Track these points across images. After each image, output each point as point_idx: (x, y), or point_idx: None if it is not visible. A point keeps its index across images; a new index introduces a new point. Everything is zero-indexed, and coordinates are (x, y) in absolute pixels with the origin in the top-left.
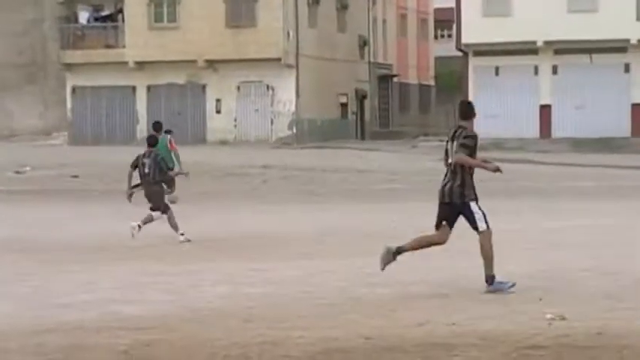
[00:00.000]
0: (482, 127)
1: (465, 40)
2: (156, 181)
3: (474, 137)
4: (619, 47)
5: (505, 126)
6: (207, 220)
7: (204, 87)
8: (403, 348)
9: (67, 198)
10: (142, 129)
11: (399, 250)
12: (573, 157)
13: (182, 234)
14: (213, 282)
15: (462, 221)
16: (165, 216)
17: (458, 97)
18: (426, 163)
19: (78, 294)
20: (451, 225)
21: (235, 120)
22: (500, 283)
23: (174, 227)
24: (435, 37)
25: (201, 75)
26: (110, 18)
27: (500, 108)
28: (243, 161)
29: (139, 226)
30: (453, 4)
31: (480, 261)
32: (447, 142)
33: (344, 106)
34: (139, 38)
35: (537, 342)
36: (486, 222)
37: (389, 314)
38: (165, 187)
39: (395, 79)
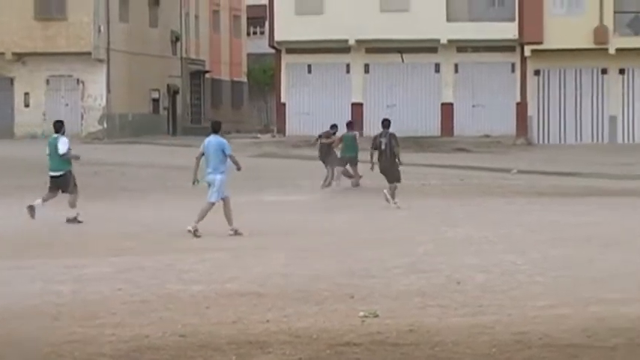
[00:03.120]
0: (294, 124)
1: (277, 37)
2: None
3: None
4: (430, 47)
5: (317, 124)
6: (16, 215)
7: (12, 80)
8: (217, 345)
9: None
10: None
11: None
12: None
13: None
14: (22, 279)
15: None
16: None
17: (270, 93)
18: (239, 159)
19: None
20: None
21: (44, 114)
22: None
23: None
24: (248, 34)
25: (9, 68)
26: None
27: (312, 106)
28: None
29: None
30: (265, 2)
31: (294, 260)
32: None
33: (156, 101)
34: None
35: (351, 339)
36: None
37: (203, 312)
38: None
39: (207, 75)
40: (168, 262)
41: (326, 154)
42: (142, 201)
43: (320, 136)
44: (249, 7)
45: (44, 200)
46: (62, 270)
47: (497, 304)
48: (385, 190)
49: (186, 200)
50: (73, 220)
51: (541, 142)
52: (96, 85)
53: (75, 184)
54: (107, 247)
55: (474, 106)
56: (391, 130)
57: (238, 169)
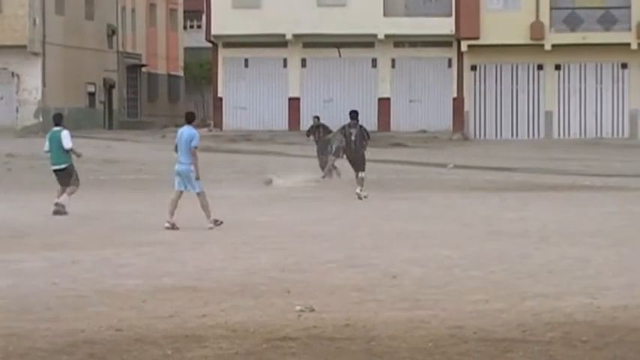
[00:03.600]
0: (231, 119)
1: (214, 31)
2: None
3: None
4: (367, 42)
5: (254, 118)
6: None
7: None
8: (153, 339)
9: None
10: None
11: None
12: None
13: None
14: None
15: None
16: None
17: (207, 88)
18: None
19: None
20: None
21: None
22: None
23: None
24: (185, 27)
25: None
26: None
27: (249, 100)
28: None
29: None
30: None
31: (231, 254)
32: None
33: (92, 95)
34: None
35: (287, 333)
36: None
37: (139, 305)
38: None
39: (144, 69)
40: (105, 257)
41: (325, 146)
42: (77, 195)
43: (309, 132)
44: (186, 0)
45: (69, 194)
46: None
47: (433, 298)
48: (357, 190)
49: (121, 194)
50: (61, 209)
51: (477, 137)
52: (31, 79)
53: (77, 178)
54: (42, 241)
55: (410, 101)
56: (329, 124)
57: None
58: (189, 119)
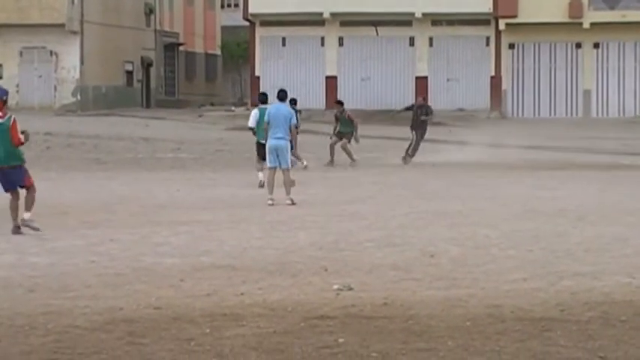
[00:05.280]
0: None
1: (251, 10)
2: None
3: None
4: (404, 21)
5: (292, 96)
6: None
7: None
8: (191, 318)
9: None
10: None
11: None
12: (360, 129)
13: None
14: None
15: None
16: None
17: (244, 66)
18: (211, 133)
19: None
20: None
21: (17, 86)
22: None
23: None
24: (222, 6)
25: None
26: None
27: (286, 79)
28: (25, 127)
29: None
30: None
31: (269, 232)
32: None
33: (129, 73)
34: None
35: (325, 312)
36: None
37: (177, 284)
38: None
39: (181, 48)
40: (143, 235)
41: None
42: (114, 173)
43: (409, 109)
44: None
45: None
46: (36, 242)
47: (471, 277)
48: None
49: (158, 173)
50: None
51: (515, 115)
52: (69, 57)
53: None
54: (80, 219)
55: (448, 79)
56: (366, 103)
57: None
58: (282, 97)
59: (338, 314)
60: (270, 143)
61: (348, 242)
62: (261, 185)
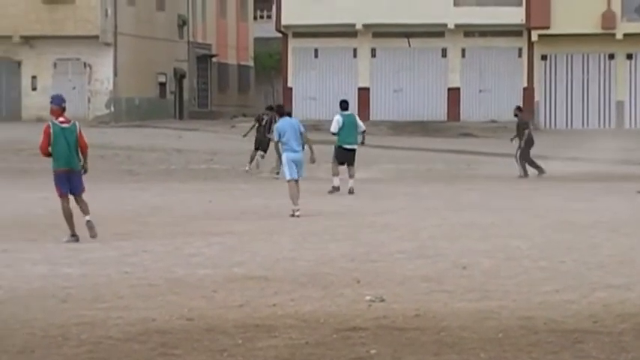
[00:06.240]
0: (301, 109)
1: (284, 21)
2: None
3: None
4: (437, 32)
5: (324, 108)
6: (24, 198)
7: (19, 63)
8: (223, 329)
9: None
10: None
11: None
12: (392, 140)
13: None
14: (31, 262)
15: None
16: None
17: (277, 78)
18: (243, 144)
19: None
20: None
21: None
22: None
23: None
24: (255, 17)
25: (16, 51)
26: None
27: (319, 90)
28: None
29: None
30: None
31: (301, 244)
32: None
33: (162, 85)
34: None
35: (357, 324)
36: None
37: (210, 295)
38: None
39: (214, 59)
40: (175, 246)
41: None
42: (147, 184)
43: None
44: None
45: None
46: (68, 253)
47: (503, 289)
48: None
49: (191, 184)
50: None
51: (548, 127)
52: (103, 69)
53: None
54: (113, 230)
55: (480, 91)
56: (398, 114)
57: None
58: (282, 112)
59: (370, 326)
60: (292, 156)
61: (379, 253)
62: (334, 190)
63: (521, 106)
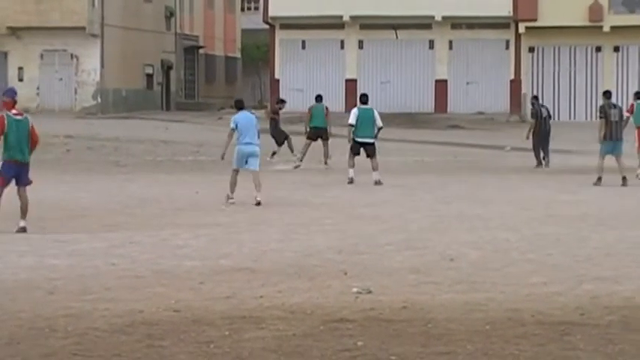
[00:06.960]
0: (288, 100)
1: (271, 13)
2: None
3: None
4: (424, 24)
5: (311, 100)
6: (8, 190)
7: (6, 54)
8: (210, 320)
9: None
10: None
11: None
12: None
13: None
14: (17, 253)
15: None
16: None
17: (264, 69)
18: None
19: None
20: None
21: (38, 88)
22: None
23: None
24: (242, 9)
25: (3, 42)
26: None
27: (306, 82)
28: (46, 130)
29: None
30: None
31: (288, 235)
32: None
33: (149, 76)
34: None
35: (344, 315)
36: None
37: (197, 287)
38: None
39: (201, 51)
40: (162, 238)
41: (547, 136)
42: (134, 176)
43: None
44: None
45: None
46: (55, 244)
47: (490, 281)
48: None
49: (177, 175)
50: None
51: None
52: (90, 60)
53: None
54: (100, 222)
55: (467, 82)
56: (385, 106)
57: None
58: (241, 106)
59: (357, 317)
60: (243, 148)
61: (367, 245)
62: (350, 181)
63: (537, 95)
